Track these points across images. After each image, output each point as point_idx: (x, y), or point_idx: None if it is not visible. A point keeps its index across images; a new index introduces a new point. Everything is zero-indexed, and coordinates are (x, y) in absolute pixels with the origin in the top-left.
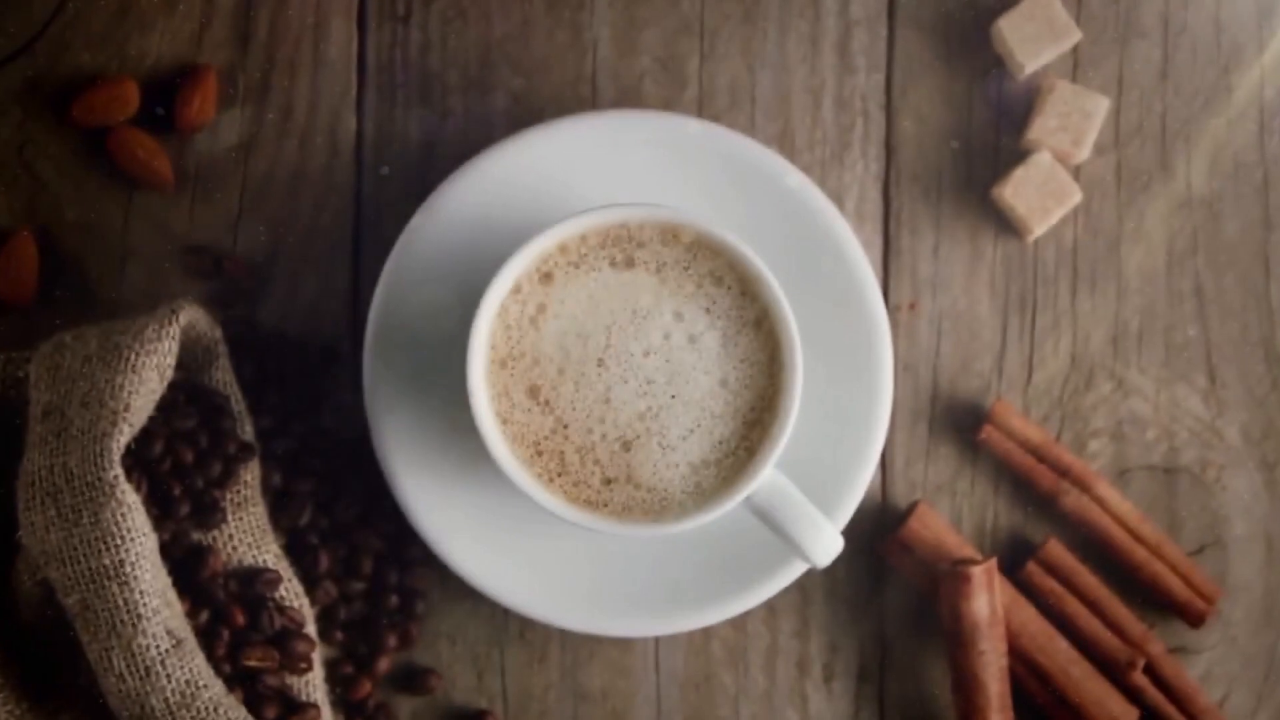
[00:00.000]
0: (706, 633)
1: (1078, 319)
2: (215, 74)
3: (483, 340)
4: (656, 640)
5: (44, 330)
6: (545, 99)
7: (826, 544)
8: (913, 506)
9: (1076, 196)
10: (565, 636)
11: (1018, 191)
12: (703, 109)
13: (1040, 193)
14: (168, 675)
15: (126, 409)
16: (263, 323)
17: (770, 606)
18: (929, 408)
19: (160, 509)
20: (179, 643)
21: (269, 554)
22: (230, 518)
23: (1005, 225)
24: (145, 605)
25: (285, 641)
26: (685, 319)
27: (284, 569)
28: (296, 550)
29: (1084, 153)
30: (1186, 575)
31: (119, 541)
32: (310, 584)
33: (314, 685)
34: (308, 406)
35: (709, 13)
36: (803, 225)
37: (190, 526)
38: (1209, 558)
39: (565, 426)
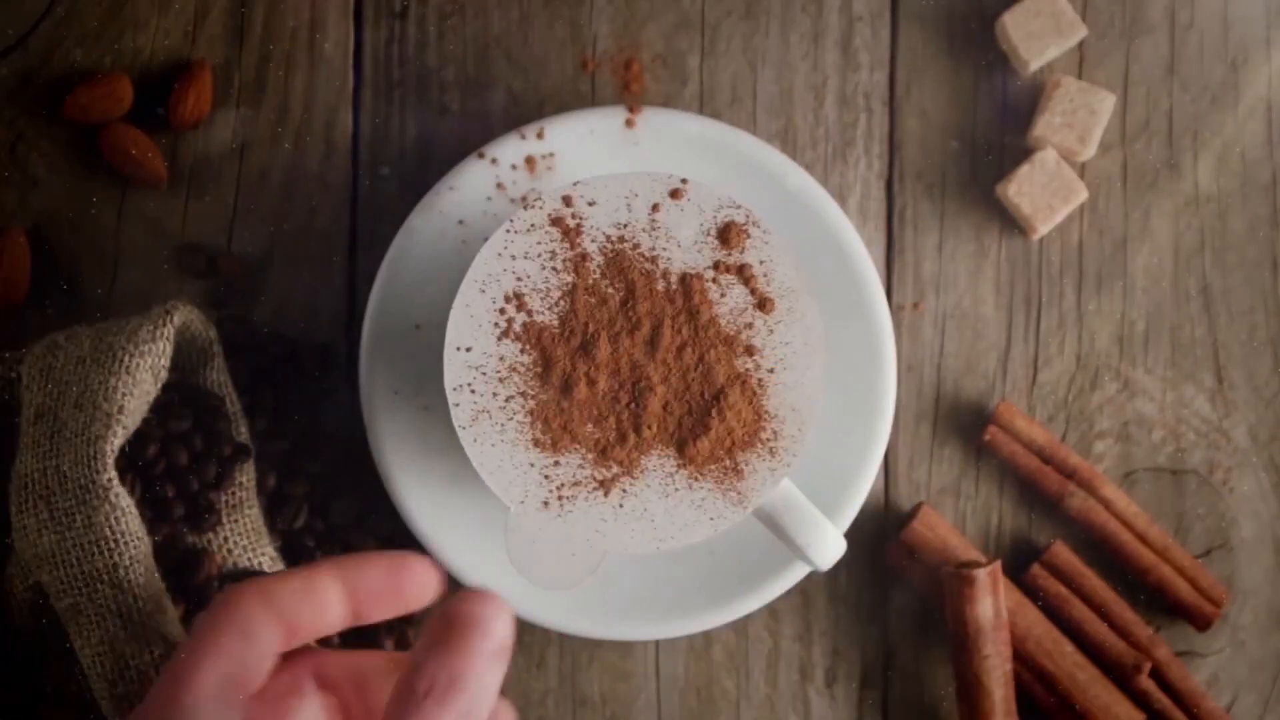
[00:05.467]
0: (707, 637)
1: (1083, 318)
2: (210, 71)
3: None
4: (656, 644)
5: (36, 330)
6: (544, 95)
7: (829, 547)
8: (916, 509)
9: (1082, 194)
10: (564, 641)
11: (1022, 189)
12: (704, 106)
13: (1045, 191)
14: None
15: (120, 411)
16: (258, 323)
17: (772, 610)
18: (933, 409)
19: (154, 512)
20: (174, 647)
21: (265, 557)
22: (225, 520)
23: (1010, 223)
24: (139, 609)
25: None
26: None
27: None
28: (292, 553)
29: (1090, 150)
30: (1193, 578)
31: (113, 545)
32: None
33: None
34: (303, 407)
35: (710, 8)
36: (805, 224)
37: (185, 529)
38: (1216, 560)
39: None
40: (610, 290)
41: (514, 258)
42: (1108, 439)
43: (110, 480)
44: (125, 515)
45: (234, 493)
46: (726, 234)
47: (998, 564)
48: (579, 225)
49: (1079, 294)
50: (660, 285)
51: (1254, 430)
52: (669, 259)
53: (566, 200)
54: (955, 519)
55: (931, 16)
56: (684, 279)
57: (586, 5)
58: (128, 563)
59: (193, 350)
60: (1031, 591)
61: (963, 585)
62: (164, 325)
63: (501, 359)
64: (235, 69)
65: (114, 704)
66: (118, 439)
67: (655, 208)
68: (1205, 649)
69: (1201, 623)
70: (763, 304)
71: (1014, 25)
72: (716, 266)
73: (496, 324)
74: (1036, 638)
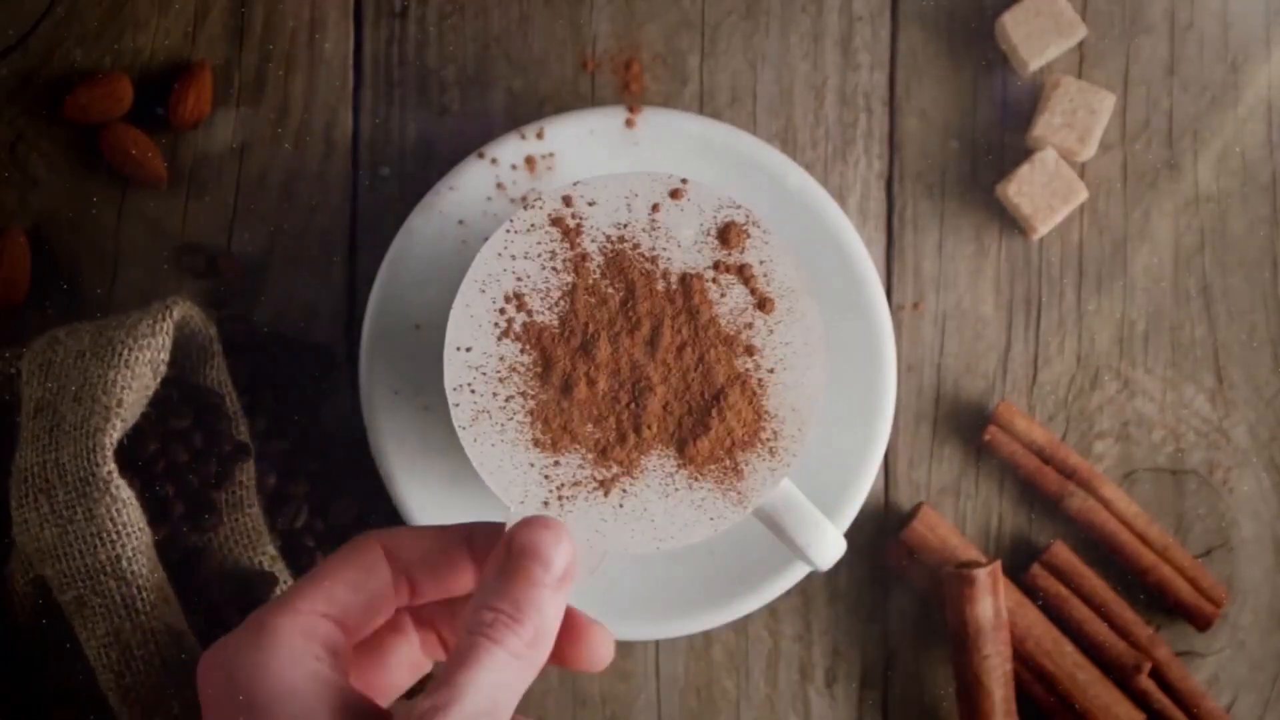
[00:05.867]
0: (707, 637)
1: (1083, 318)
2: (210, 71)
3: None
4: (656, 644)
5: (36, 330)
6: (544, 95)
7: (829, 547)
8: (916, 509)
9: (1082, 194)
10: None
11: (1022, 189)
12: (704, 106)
13: (1045, 191)
14: (168, 671)
15: (119, 404)
16: (258, 323)
17: (772, 610)
18: (932, 409)
19: (154, 510)
20: (179, 636)
21: (265, 556)
22: (225, 519)
23: (1010, 223)
24: (143, 600)
25: None
26: None
27: (280, 571)
28: (292, 553)
29: (1090, 150)
30: (1193, 578)
31: (114, 537)
32: None
33: None
34: (303, 407)
35: (710, 8)
36: (805, 223)
37: (185, 528)
38: (1216, 560)
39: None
40: (610, 290)
41: (514, 258)
42: (1108, 439)
43: (110, 473)
44: (126, 507)
45: (234, 492)
46: (726, 234)
47: (998, 564)
48: (579, 225)
49: (1079, 294)
50: (660, 285)
51: (1254, 430)
52: (669, 259)
53: (566, 200)
54: (955, 519)
55: (931, 16)
56: (684, 279)
57: (586, 5)
58: (130, 554)
59: (192, 348)
60: (1031, 591)
61: (963, 585)
62: (163, 320)
63: (501, 359)
64: (235, 69)
65: (121, 695)
66: (117, 432)
67: (655, 208)
68: (1205, 649)
69: (1201, 623)
70: (763, 304)
71: (1014, 25)
72: (716, 266)
73: (496, 324)
74: (1036, 638)
